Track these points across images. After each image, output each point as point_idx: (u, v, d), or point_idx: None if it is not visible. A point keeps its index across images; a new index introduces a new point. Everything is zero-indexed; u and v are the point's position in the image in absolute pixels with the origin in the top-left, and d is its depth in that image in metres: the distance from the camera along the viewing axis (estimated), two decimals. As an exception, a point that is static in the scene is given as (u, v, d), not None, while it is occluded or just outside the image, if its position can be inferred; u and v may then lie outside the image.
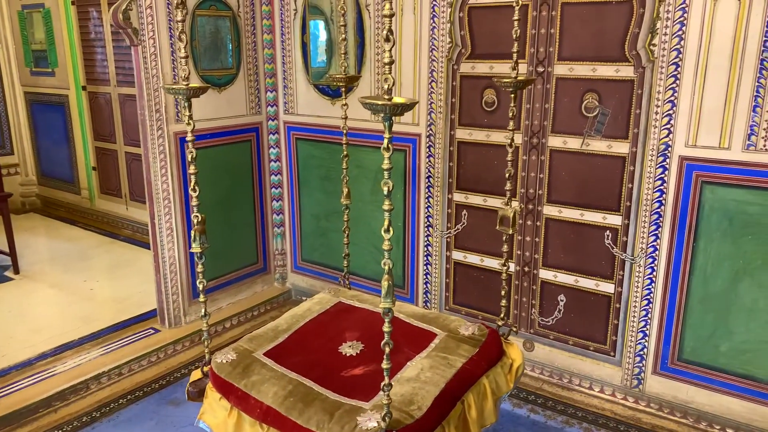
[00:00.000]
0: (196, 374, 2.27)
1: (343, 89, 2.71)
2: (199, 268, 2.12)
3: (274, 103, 4.40)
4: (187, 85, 1.91)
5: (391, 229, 1.61)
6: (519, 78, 2.28)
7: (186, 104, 1.95)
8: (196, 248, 2.04)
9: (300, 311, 2.56)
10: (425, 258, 3.92)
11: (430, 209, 3.82)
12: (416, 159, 3.79)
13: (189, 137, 1.98)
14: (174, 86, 1.92)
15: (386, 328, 1.67)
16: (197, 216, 2.04)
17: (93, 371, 3.53)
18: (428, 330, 2.39)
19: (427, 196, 3.81)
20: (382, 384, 1.72)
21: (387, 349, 1.69)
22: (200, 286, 2.15)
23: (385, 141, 1.53)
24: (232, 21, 4.08)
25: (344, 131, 2.70)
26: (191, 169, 2.01)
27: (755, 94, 2.71)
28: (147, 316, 4.19)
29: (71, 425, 3.20)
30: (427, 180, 3.78)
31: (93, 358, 3.66)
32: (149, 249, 4.03)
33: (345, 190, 2.70)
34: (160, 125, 3.76)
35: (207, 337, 2.24)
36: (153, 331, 4.01)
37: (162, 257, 3.95)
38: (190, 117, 1.97)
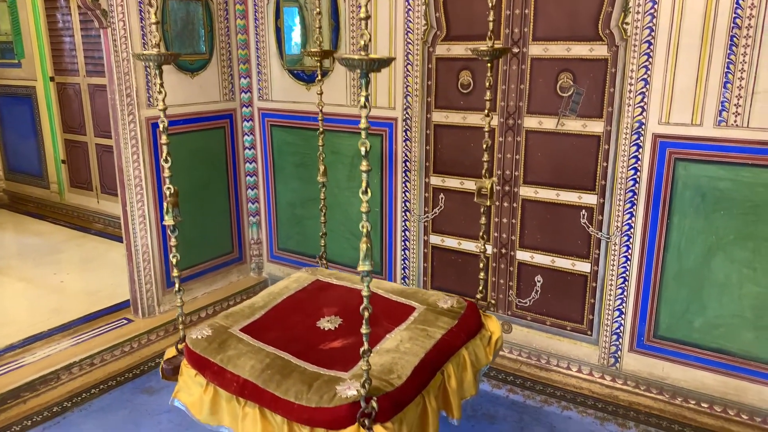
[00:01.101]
0: (170, 352, 2.22)
1: (319, 64, 2.68)
2: (173, 242, 2.07)
3: (248, 90, 4.34)
4: (158, 51, 1.87)
5: (369, 190, 1.59)
6: (495, 47, 2.27)
7: (157, 72, 1.90)
8: (168, 221, 1.99)
9: (276, 289, 2.52)
10: (403, 243, 3.90)
11: (407, 194, 3.80)
12: (393, 143, 3.77)
13: (160, 106, 1.93)
14: (144, 53, 1.88)
15: (365, 292, 1.65)
16: (170, 188, 1.99)
17: (63, 361, 3.43)
18: (407, 304, 2.38)
19: (404, 180, 3.79)
20: (362, 350, 1.69)
21: (366, 314, 1.66)
22: (173, 261, 2.10)
23: (362, 99, 1.50)
24: (205, 6, 4.02)
25: (320, 108, 2.67)
26: (163, 139, 1.96)
27: (726, 70, 2.75)
28: (120, 307, 4.10)
29: (41, 415, 3.11)
30: (404, 164, 3.77)
31: (63, 349, 3.56)
32: (122, 242, 3.95)
33: (321, 168, 2.67)
34: (131, 110, 3.68)
35: (182, 314, 2.19)
36: (126, 321, 3.93)
37: (135, 246, 3.87)
38: (161, 85, 1.93)
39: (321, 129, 2.66)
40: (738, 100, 2.75)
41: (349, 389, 1.79)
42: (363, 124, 1.53)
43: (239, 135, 4.41)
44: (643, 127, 2.99)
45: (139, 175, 3.78)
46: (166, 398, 3.24)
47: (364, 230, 1.60)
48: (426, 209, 3.76)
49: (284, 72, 4.17)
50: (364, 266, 1.60)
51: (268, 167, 4.45)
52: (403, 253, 3.92)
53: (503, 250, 3.54)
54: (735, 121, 2.77)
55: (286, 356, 2.02)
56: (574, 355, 3.43)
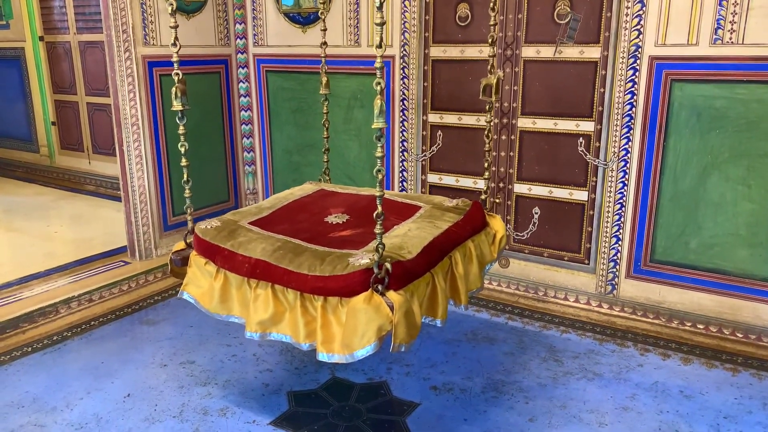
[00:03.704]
0: (179, 245, 2.22)
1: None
2: (181, 130, 2.07)
3: (243, 36, 4.33)
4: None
5: (383, 44, 1.60)
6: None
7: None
8: (177, 106, 1.99)
9: (282, 195, 2.53)
10: (400, 184, 3.92)
11: (404, 133, 3.82)
12: (390, 82, 3.78)
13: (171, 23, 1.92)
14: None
15: (378, 153, 1.66)
16: (178, 73, 2.00)
17: (61, 296, 3.41)
18: (413, 204, 2.40)
19: (401, 119, 3.81)
20: (375, 214, 1.71)
21: (380, 176, 1.68)
22: (182, 150, 2.09)
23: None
24: (200, -53, 4.00)
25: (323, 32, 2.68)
26: (172, 22, 1.96)
27: (721, -13, 2.80)
28: (116, 252, 4.08)
29: (41, 343, 3.09)
30: (401, 103, 3.78)
31: (61, 286, 3.55)
32: (115, 201, 3.91)
33: (324, 80, 2.68)
34: (127, 47, 3.66)
35: (189, 204, 2.19)
36: (123, 263, 3.91)
37: (131, 187, 3.85)
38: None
39: (324, 39, 2.68)
40: (733, 17, 2.80)
41: (362, 258, 1.80)
42: (379, 18, 1.53)
43: (234, 82, 4.40)
44: (639, 50, 3.04)
45: (136, 114, 3.76)
46: (168, 328, 3.27)
47: (378, 88, 1.61)
48: (424, 148, 3.79)
49: (280, 15, 4.16)
50: (378, 123, 1.62)
51: (263, 114, 4.44)
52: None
53: (501, 184, 3.58)
54: (730, 39, 2.82)
55: (296, 241, 2.03)
56: (572, 285, 3.47)
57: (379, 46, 1.53)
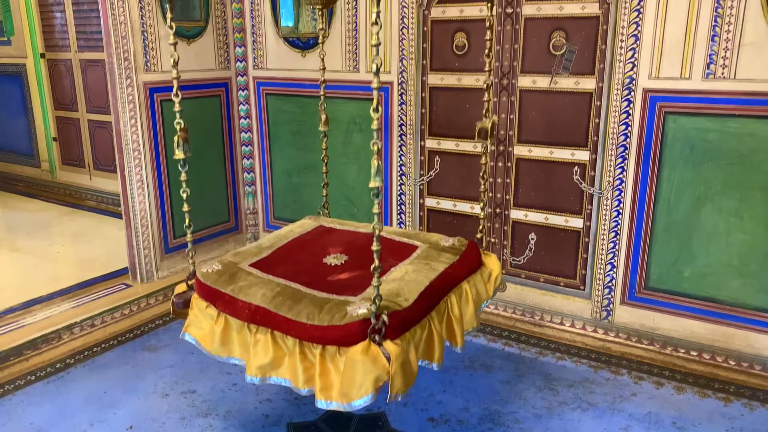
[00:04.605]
0: (180, 287, 2.27)
1: (320, 13, 2.72)
2: (183, 176, 2.11)
3: (243, 59, 4.38)
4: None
5: (379, 108, 1.65)
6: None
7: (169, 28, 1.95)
8: (179, 154, 2.04)
9: (282, 232, 2.58)
10: (399, 207, 3.97)
11: (402, 157, 3.87)
12: (389, 107, 3.83)
13: (171, 40, 1.97)
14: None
15: (375, 209, 1.71)
16: (180, 123, 2.04)
17: (64, 322, 3.46)
18: (410, 243, 2.45)
19: (399, 144, 3.86)
20: (372, 267, 1.76)
21: (377, 231, 1.73)
22: (183, 195, 2.14)
23: (373, 15, 1.55)
24: (200, -27, 4.05)
25: (321, 57, 2.73)
26: (174, 73, 2.00)
27: (713, 23, 2.85)
28: (118, 274, 4.12)
29: (44, 371, 3.14)
30: (399, 128, 3.83)
31: (63, 311, 3.59)
32: (116, 218, 3.96)
33: (323, 117, 2.73)
34: (129, 74, 3.71)
35: (191, 249, 2.24)
36: (124, 287, 3.96)
37: (133, 211, 3.90)
38: (172, 19, 1.97)
39: (323, 77, 2.72)
40: (725, 52, 2.85)
41: (360, 308, 1.85)
42: (374, 40, 1.58)
43: (234, 104, 4.44)
44: (633, 82, 3.08)
45: (137, 140, 3.81)
46: (170, 355, 3.31)
47: (375, 148, 1.66)
48: (421, 172, 3.83)
49: (279, 40, 4.21)
50: (375, 182, 1.66)
51: (263, 136, 4.49)
52: (399, 216, 3.98)
53: (497, 210, 3.62)
54: (722, 74, 2.87)
55: (295, 285, 2.08)
56: (568, 310, 3.52)
57: (375, 110, 1.57)
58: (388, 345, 1.79)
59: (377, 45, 1.60)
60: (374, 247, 1.74)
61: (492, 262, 2.45)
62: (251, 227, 4.71)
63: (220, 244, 4.53)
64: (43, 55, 5.92)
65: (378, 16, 1.57)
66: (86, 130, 5.83)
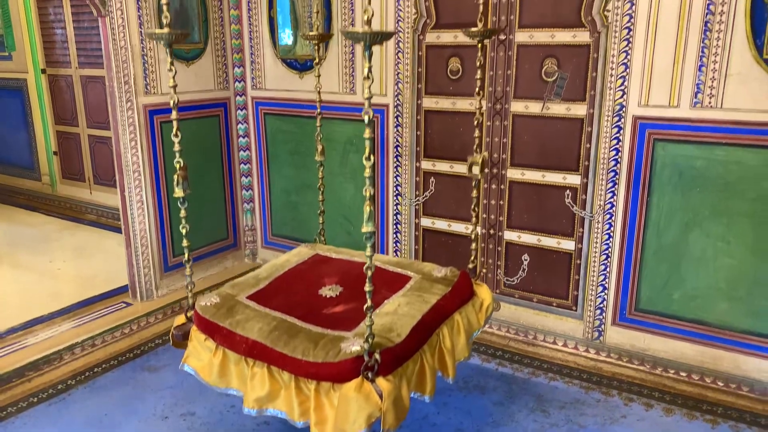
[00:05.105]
0: (179, 319, 2.33)
1: (317, 47, 2.79)
2: (182, 213, 2.18)
3: (242, 79, 4.45)
4: (170, 30, 1.98)
5: (371, 156, 1.71)
6: (486, 28, 2.41)
7: (168, 51, 2.01)
8: (179, 192, 2.10)
9: (279, 262, 2.64)
10: (394, 226, 4.03)
11: (398, 178, 3.93)
12: (385, 129, 3.90)
13: (171, 83, 2.04)
14: (156, 31, 1.99)
15: (368, 252, 1.77)
16: (179, 162, 2.10)
17: (65, 342, 3.52)
18: (403, 274, 2.51)
19: (395, 165, 3.92)
20: (365, 306, 1.82)
21: (369, 273, 1.79)
22: (183, 231, 2.21)
23: (365, 70, 1.63)
24: (199, -4, 4.11)
25: (318, 90, 2.79)
26: (174, 115, 2.07)
27: (700, 54, 2.91)
28: (118, 292, 4.18)
29: (46, 393, 3.20)
30: (395, 150, 3.90)
31: (64, 331, 3.65)
32: (115, 232, 4.03)
33: (320, 147, 2.79)
34: (129, 97, 3.77)
35: (190, 281, 2.30)
36: (125, 305, 4.02)
37: (132, 230, 3.96)
38: (172, 63, 2.04)
39: (319, 110, 2.78)
40: (712, 82, 2.91)
41: (353, 345, 1.91)
42: (366, 93, 1.65)
43: (233, 123, 4.51)
44: (623, 109, 3.15)
45: (137, 161, 3.87)
46: (169, 375, 3.37)
47: (368, 194, 1.72)
48: (417, 193, 3.90)
49: (277, 61, 4.27)
50: (367, 228, 1.73)
51: (261, 155, 4.56)
52: (395, 236, 4.05)
53: (491, 231, 3.69)
54: (709, 103, 2.94)
55: (291, 319, 2.14)
56: (560, 330, 3.59)
57: (368, 158, 1.63)
58: (381, 382, 1.86)
59: (369, 98, 1.66)
60: (367, 288, 1.81)
61: (483, 292, 2.52)
62: (249, 244, 4.78)
63: (219, 261, 4.59)
64: (44, 71, 5.98)
65: (370, 70, 1.64)
66: (86, 145, 5.89)
